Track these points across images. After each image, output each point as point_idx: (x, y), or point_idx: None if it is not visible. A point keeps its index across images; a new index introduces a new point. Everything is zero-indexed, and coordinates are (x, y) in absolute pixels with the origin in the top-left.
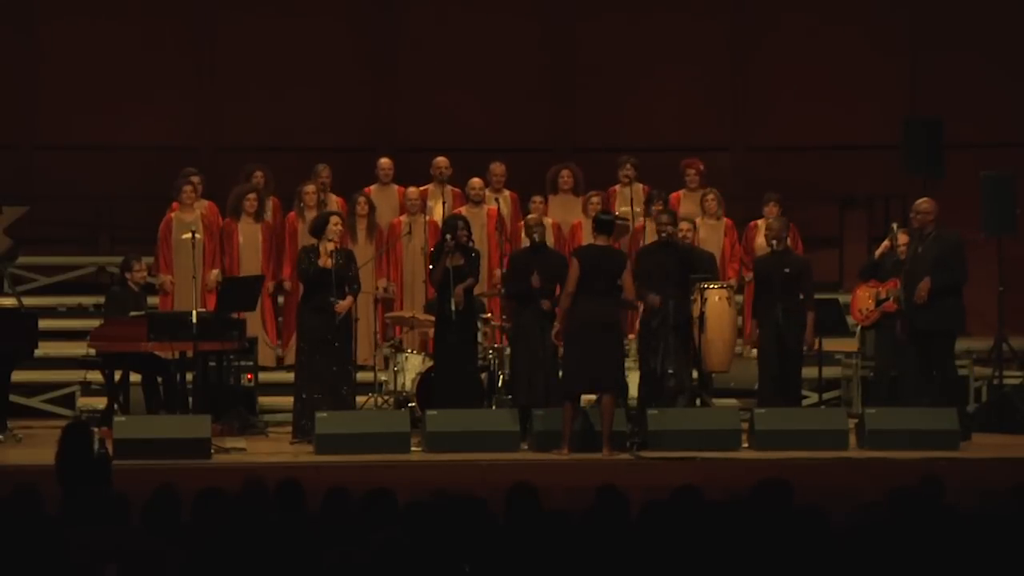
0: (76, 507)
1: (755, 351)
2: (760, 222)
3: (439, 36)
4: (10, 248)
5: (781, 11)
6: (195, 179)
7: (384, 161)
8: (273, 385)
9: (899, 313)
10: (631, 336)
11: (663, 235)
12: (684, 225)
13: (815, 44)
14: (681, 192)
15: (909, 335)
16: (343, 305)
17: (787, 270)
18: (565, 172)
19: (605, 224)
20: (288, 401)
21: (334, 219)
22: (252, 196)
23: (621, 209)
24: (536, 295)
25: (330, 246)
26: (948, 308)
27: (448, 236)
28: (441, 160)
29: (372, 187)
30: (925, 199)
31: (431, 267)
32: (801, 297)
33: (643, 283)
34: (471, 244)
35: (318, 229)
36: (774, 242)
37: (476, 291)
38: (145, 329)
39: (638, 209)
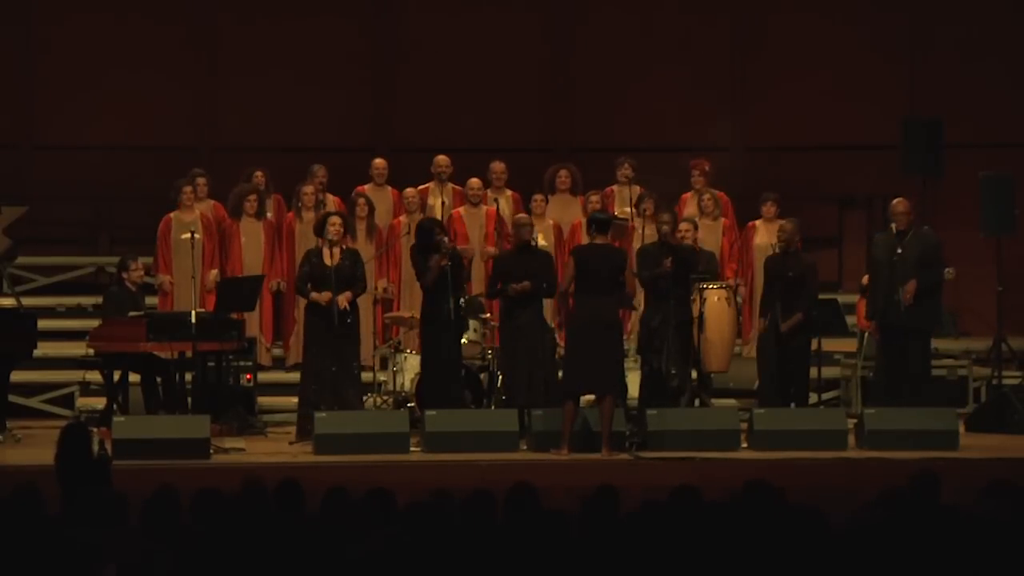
0: (75, 507)
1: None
2: (759, 222)
3: (438, 36)
4: (9, 248)
5: (781, 11)
6: (201, 180)
7: (378, 162)
8: (272, 385)
9: (869, 313)
10: (630, 336)
11: (664, 234)
12: (684, 225)
13: (815, 44)
14: (689, 194)
15: (884, 334)
16: (342, 298)
17: (790, 274)
18: (563, 172)
19: (601, 223)
20: (287, 401)
21: (331, 219)
22: (253, 196)
23: (620, 209)
24: (532, 296)
25: (335, 251)
26: (927, 307)
27: (445, 239)
28: (442, 159)
29: (367, 187)
30: (901, 200)
31: (418, 268)
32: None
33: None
34: (454, 247)
35: (318, 229)
36: (784, 245)
37: (474, 292)
38: (144, 329)
39: (635, 209)
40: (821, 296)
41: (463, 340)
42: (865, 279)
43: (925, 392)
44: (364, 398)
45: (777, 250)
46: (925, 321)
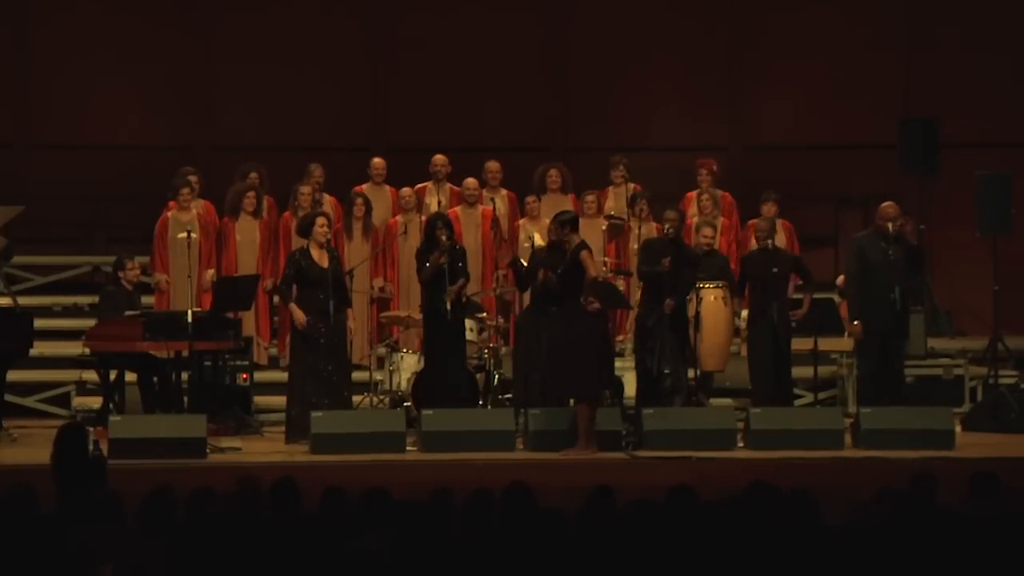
0: (72, 507)
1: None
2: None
3: (435, 36)
4: (6, 247)
5: (777, 10)
6: (193, 178)
7: (377, 161)
8: (269, 384)
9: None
10: (621, 337)
11: (669, 232)
12: (707, 231)
13: (811, 43)
14: (693, 193)
15: (878, 337)
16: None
17: (775, 270)
18: (552, 171)
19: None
20: (283, 401)
21: (320, 220)
22: (251, 194)
23: (616, 209)
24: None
25: (323, 253)
26: (909, 309)
27: (444, 237)
28: (439, 158)
29: (364, 186)
30: (891, 203)
31: (425, 265)
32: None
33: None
34: (454, 243)
35: (305, 229)
36: (768, 241)
37: (470, 291)
38: (140, 328)
39: (630, 209)
40: (818, 296)
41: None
42: (841, 279)
43: (906, 392)
44: (360, 397)
45: (768, 246)
46: (908, 322)
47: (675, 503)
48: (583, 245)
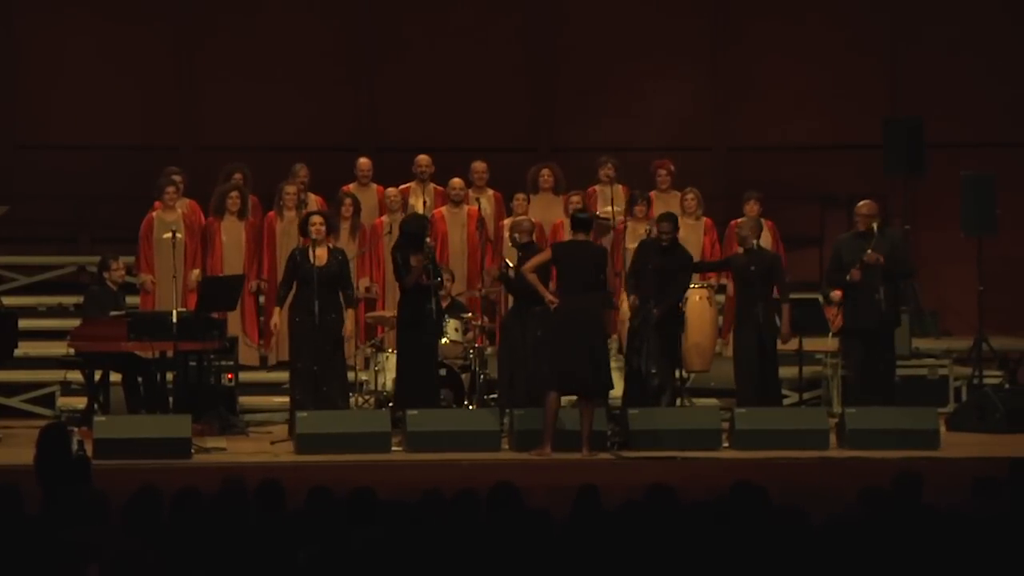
0: (56, 507)
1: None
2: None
3: (421, 35)
4: None
5: (762, 11)
6: (177, 178)
7: (363, 161)
8: (254, 385)
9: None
10: (613, 336)
11: (664, 241)
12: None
13: (796, 44)
14: (653, 193)
15: (856, 333)
16: (349, 323)
17: (752, 268)
18: (546, 171)
19: (582, 221)
20: (269, 401)
21: (312, 219)
22: (235, 195)
23: (603, 209)
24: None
25: (321, 251)
26: (896, 307)
27: (428, 240)
28: (423, 158)
29: (351, 186)
30: (866, 202)
31: (400, 267)
32: (776, 295)
33: (634, 280)
34: (432, 249)
35: (302, 228)
36: (754, 242)
37: (456, 291)
38: (125, 329)
39: (619, 208)
40: (802, 296)
41: (444, 340)
42: (836, 294)
43: (896, 392)
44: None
45: (747, 246)
46: (897, 320)
47: (655, 502)
48: (550, 248)
